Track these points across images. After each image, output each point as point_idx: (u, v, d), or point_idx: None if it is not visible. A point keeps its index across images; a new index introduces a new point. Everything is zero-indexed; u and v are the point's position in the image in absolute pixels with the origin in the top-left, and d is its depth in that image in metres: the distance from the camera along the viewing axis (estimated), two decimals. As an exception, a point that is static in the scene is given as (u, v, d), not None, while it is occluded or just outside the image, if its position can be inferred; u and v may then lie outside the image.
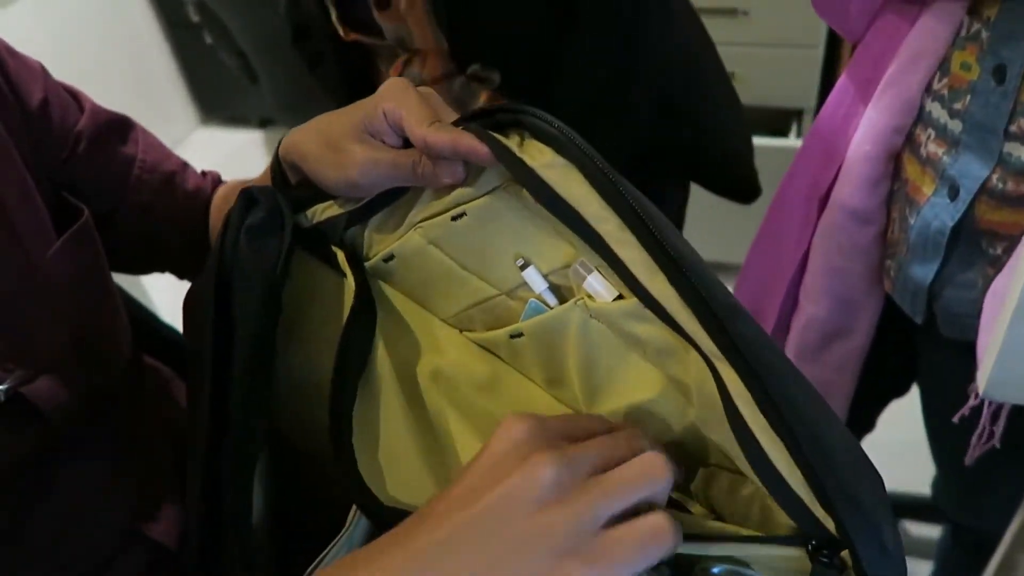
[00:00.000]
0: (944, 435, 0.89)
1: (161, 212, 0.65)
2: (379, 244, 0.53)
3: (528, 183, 0.43)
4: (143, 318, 0.75)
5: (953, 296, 0.74)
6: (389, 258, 0.53)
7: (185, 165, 0.69)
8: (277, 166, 0.55)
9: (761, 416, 0.37)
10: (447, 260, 0.51)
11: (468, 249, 0.51)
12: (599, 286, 0.45)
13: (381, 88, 0.49)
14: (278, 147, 0.55)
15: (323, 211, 0.53)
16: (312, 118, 0.53)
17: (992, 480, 0.89)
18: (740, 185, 1.12)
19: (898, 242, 0.78)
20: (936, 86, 0.70)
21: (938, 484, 1.03)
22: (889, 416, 1.05)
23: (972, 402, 0.73)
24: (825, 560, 0.37)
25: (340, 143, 0.49)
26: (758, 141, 1.79)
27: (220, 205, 0.68)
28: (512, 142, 0.44)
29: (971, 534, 1.07)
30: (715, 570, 0.43)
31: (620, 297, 0.45)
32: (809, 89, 1.81)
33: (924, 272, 0.75)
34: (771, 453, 0.37)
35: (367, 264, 0.54)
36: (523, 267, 0.49)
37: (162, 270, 0.71)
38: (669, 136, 1.03)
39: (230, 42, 1.89)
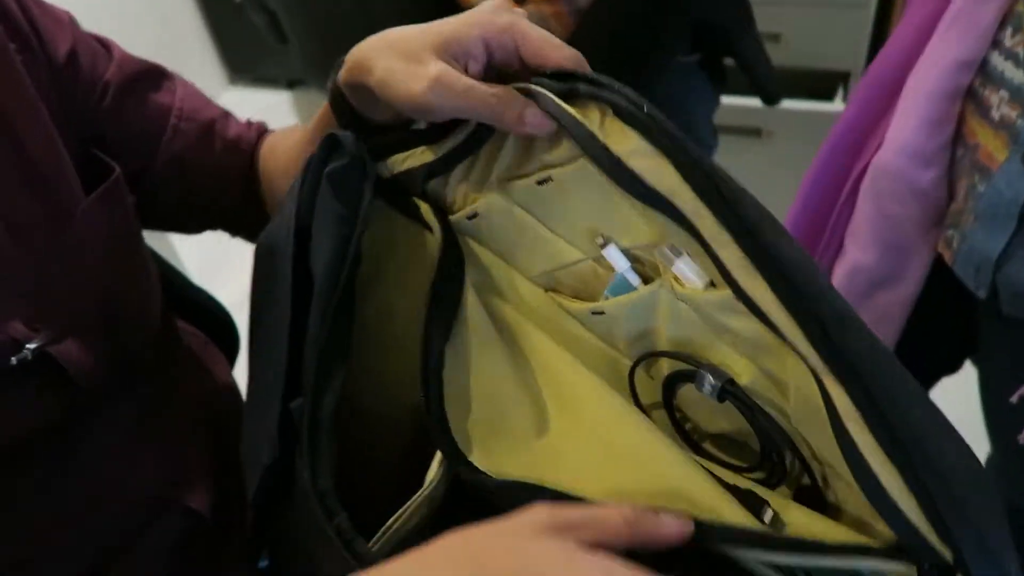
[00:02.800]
0: (1002, 414, 0.86)
1: (200, 162, 0.62)
2: (461, 200, 0.52)
3: (613, 173, 0.40)
4: (175, 281, 0.73)
5: (1019, 271, 0.70)
6: (473, 216, 0.51)
7: (227, 114, 0.66)
8: (339, 97, 0.51)
9: (872, 439, 0.34)
10: (533, 221, 0.50)
11: (554, 214, 0.49)
12: (689, 272, 0.43)
13: (484, 7, 0.46)
14: (336, 73, 0.50)
15: (403, 161, 0.51)
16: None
17: (1049, 460, 0.85)
18: (768, 80, 1.15)
19: (962, 212, 0.74)
20: (1009, 42, 0.66)
21: (993, 464, 1.00)
22: (939, 393, 1.01)
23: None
24: None
25: (418, 54, 0.45)
26: (801, 104, 1.74)
27: (267, 156, 0.66)
28: (592, 120, 0.41)
29: (1028, 518, 1.04)
30: None
31: (711, 285, 0.43)
32: (858, 51, 1.75)
33: (992, 244, 0.71)
34: (882, 477, 0.34)
35: (451, 218, 0.52)
36: (603, 245, 0.47)
37: (209, 227, 0.69)
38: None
39: (259, 0, 1.86)
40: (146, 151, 0.60)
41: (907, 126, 0.75)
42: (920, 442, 0.33)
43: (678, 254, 0.43)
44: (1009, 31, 0.66)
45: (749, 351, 0.43)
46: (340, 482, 0.43)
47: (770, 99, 1.17)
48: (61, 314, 0.49)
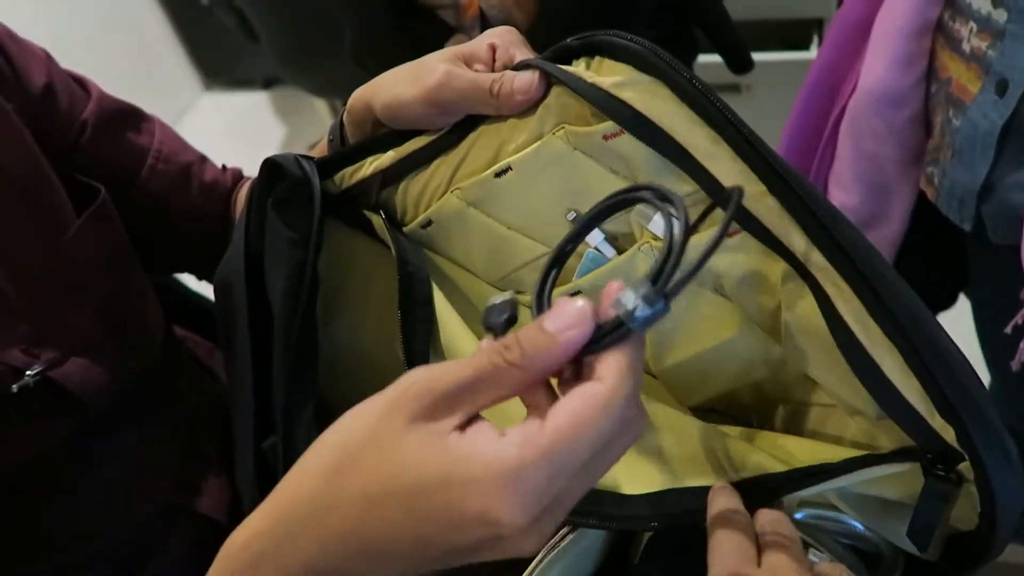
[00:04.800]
0: (998, 341, 0.87)
1: (175, 205, 0.62)
2: (413, 208, 0.51)
3: (601, 103, 0.40)
4: (174, 289, 0.74)
5: (1003, 199, 0.71)
6: (427, 224, 0.51)
7: (204, 158, 0.66)
8: (339, 130, 0.53)
9: (873, 324, 0.35)
10: (489, 221, 0.49)
11: (513, 207, 0.48)
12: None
13: (491, 30, 0.49)
14: (342, 113, 0.52)
15: (352, 174, 0.50)
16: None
17: (1050, 384, 0.87)
18: (736, 49, 1.17)
19: (940, 147, 0.74)
20: None
21: (994, 393, 1.01)
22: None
23: (1025, 308, 0.70)
24: (941, 472, 0.36)
25: (425, 63, 0.47)
26: (778, 55, 1.73)
27: (244, 201, 0.65)
28: (578, 67, 0.42)
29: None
30: (798, 516, 0.42)
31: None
32: (828, -5, 1.74)
33: (972, 176, 0.71)
34: (883, 363, 0.35)
35: (405, 230, 0.52)
36: (574, 220, 0.47)
37: (179, 270, 0.69)
38: None
39: (226, 1, 1.84)
40: (122, 189, 0.59)
41: (879, 65, 0.74)
42: (918, 323, 0.34)
43: (655, 210, 0.43)
44: None
45: (737, 291, 0.43)
46: None
47: (740, 67, 1.17)
48: (61, 336, 0.50)
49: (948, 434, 0.35)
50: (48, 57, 0.57)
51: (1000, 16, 0.63)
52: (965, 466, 0.36)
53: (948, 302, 1.01)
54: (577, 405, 0.27)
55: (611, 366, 0.28)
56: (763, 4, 1.73)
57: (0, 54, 0.52)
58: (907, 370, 0.35)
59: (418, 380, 0.28)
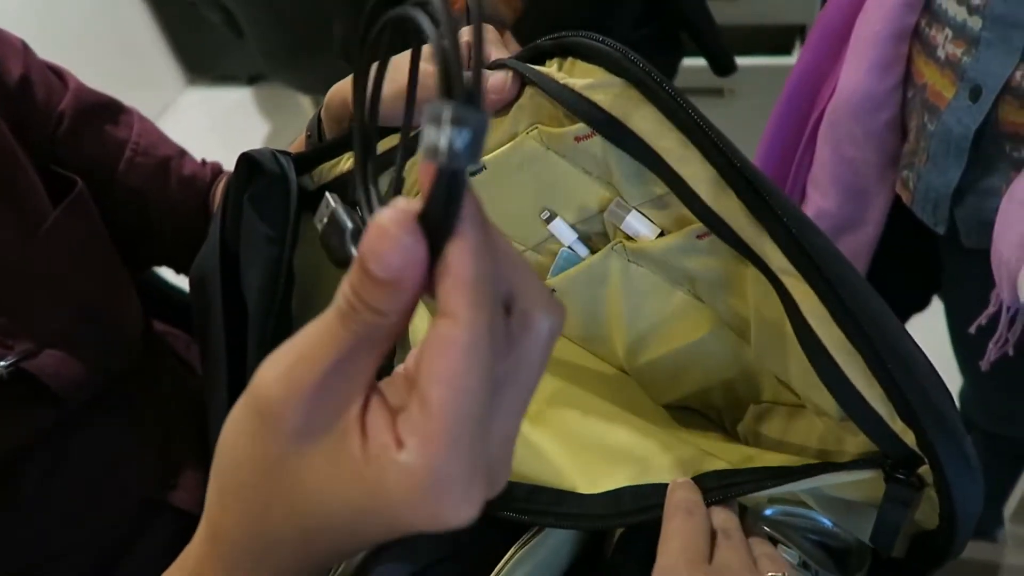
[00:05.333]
0: (970, 343, 0.88)
1: (153, 198, 0.62)
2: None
3: (572, 105, 0.40)
4: (153, 283, 0.73)
5: (976, 203, 0.72)
6: None
7: (183, 152, 0.66)
8: (317, 125, 0.52)
9: (837, 329, 0.35)
10: None
11: (487, 205, 0.48)
12: (639, 225, 0.44)
13: (465, 28, 0.49)
14: (320, 108, 0.52)
15: (331, 169, 0.50)
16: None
17: (1020, 384, 0.88)
18: (720, 51, 1.17)
19: (915, 151, 0.76)
20: None
21: (966, 395, 1.03)
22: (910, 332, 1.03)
23: (991, 309, 0.72)
24: (902, 477, 0.36)
25: (400, 62, 0.45)
26: (761, 60, 1.75)
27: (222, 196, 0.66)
28: (550, 67, 0.42)
29: (1006, 443, 1.07)
30: (767, 512, 0.43)
31: (662, 234, 0.43)
32: (810, 2, 1.75)
33: (946, 180, 0.72)
34: (847, 368, 0.35)
35: None
36: (549, 220, 0.47)
37: (156, 263, 0.69)
38: None
39: (211, -3, 1.83)
40: (99, 182, 0.59)
41: (858, 70, 0.75)
42: (881, 328, 0.35)
43: (627, 211, 0.44)
44: None
45: (708, 293, 0.44)
46: None
47: (723, 70, 1.18)
48: (36, 328, 0.49)
49: (908, 437, 0.36)
50: (25, 47, 0.56)
51: (975, 23, 0.65)
52: (925, 469, 0.36)
53: (922, 304, 1.02)
54: (439, 366, 0.22)
55: (456, 286, 0.21)
56: (746, 9, 1.74)
57: None
58: (869, 375, 0.35)
59: (273, 383, 0.23)
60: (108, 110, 0.61)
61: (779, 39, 1.82)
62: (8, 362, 0.47)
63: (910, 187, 0.78)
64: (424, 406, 0.22)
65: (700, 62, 1.23)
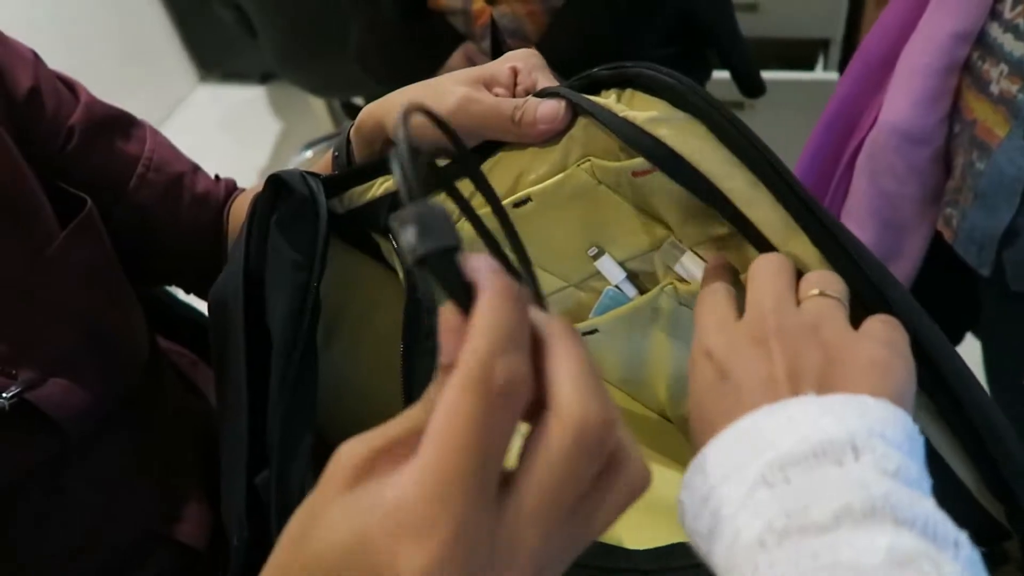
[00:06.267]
0: (1009, 387, 0.85)
1: (165, 216, 0.60)
2: None
3: (633, 140, 0.38)
4: (158, 298, 0.71)
5: None
6: None
7: (196, 168, 0.64)
8: (345, 146, 0.51)
9: (924, 395, 0.33)
10: (505, 252, 0.47)
11: (531, 239, 0.46)
12: (693, 267, 0.41)
13: (512, 52, 0.48)
14: (348, 128, 0.50)
15: (362, 194, 0.48)
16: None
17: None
18: (748, 73, 1.14)
19: (960, 189, 0.73)
20: (1009, 14, 0.64)
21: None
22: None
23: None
24: (984, 551, 0.34)
25: (442, 85, 0.45)
26: (784, 75, 1.72)
27: (236, 213, 0.63)
28: (607, 98, 0.40)
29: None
30: None
31: None
32: (836, 18, 1.72)
33: (995, 222, 0.69)
34: (932, 437, 0.34)
35: None
36: (596, 256, 0.45)
37: (166, 282, 0.67)
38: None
39: (225, -5, 1.81)
40: (109, 198, 0.57)
41: (903, 102, 0.73)
42: (969, 392, 0.33)
43: (682, 251, 0.41)
44: (1009, 2, 0.64)
45: None
46: None
47: (752, 92, 1.15)
48: (41, 356, 0.48)
49: (996, 509, 0.34)
50: (36, 58, 0.55)
51: None
52: (1012, 545, 0.34)
53: (955, 340, 0.99)
54: (438, 405, 0.22)
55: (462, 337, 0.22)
56: (770, 23, 1.72)
57: None
58: (956, 443, 0.33)
59: (351, 447, 0.24)
60: (120, 124, 0.59)
61: (803, 53, 1.79)
62: (11, 393, 0.45)
63: (953, 225, 0.75)
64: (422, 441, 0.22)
65: (721, 75, 1.20)
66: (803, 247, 0.35)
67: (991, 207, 0.69)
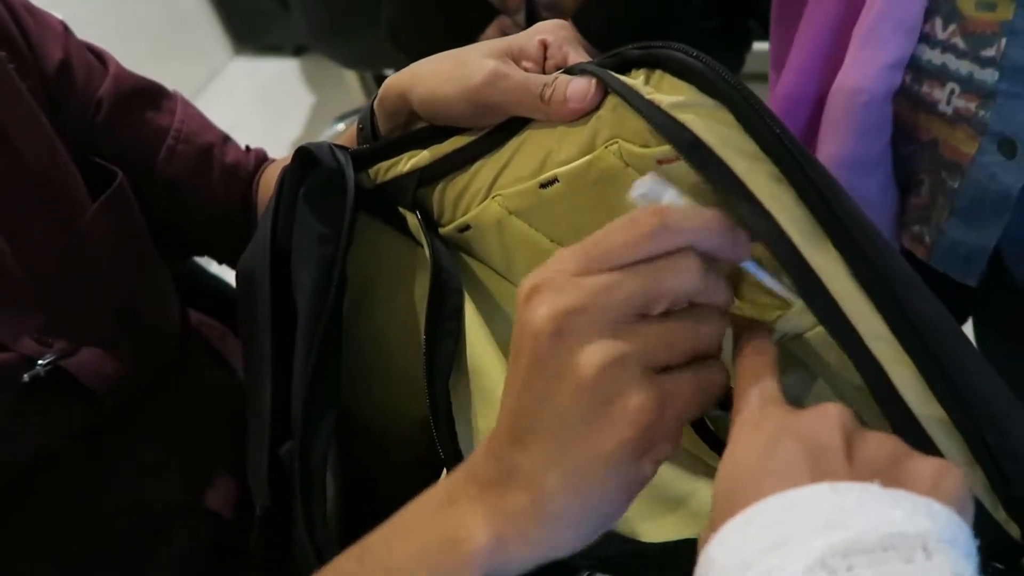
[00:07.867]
0: (1009, 379, 0.86)
1: (195, 187, 0.60)
2: (451, 210, 0.48)
3: (658, 124, 0.36)
4: (188, 269, 0.72)
5: None
6: (464, 228, 0.48)
7: (226, 139, 0.64)
8: (369, 119, 0.50)
9: (941, 409, 0.31)
10: (532, 232, 0.46)
11: (559, 220, 0.45)
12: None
13: (542, 24, 0.47)
14: (372, 100, 0.49)
15: (387, 170, 0.47)
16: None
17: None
18: None
19: (930, 206, 0.72)
20: (941, 35, 0.64)
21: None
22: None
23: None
24: (1000, 568, 0.33)
25: (469, 58, 0.44)
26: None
27: (266, 185, 0.63)
28: (636, 78, 0.38)
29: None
30: None
31: None
32: None
33: (983, 236, 0.68)
34: (948, 452, 0.32)
35: (441, 231, 0.49)
36: None
37: (197, 253, 0.68)
38: None
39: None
40: (140, 170, 0.57)
41: (844, 139, 0.71)
42: (996, 421, 0.31)
43: None
44: (939, 24, 0.63)
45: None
46: (346, 502, 0.42)
47: None
48: (74, 325, 0.49)
49: (1012, 529, 0.32)
50: (65, 29, 0.55)
51: (988, 76, 0.62)
52: None
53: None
54: None
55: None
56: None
57: (16, 28, 0.51)
58: (973, 461, 0.31)
59: None
60: (149, 95, 0.59)
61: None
62: (46, 360, 0.46)
63: (926, 243, 0.75)
64: None
65: (763, 46, 1.17)
66: (824, 252, 0.33)
67: (975, 223, 0.69)
